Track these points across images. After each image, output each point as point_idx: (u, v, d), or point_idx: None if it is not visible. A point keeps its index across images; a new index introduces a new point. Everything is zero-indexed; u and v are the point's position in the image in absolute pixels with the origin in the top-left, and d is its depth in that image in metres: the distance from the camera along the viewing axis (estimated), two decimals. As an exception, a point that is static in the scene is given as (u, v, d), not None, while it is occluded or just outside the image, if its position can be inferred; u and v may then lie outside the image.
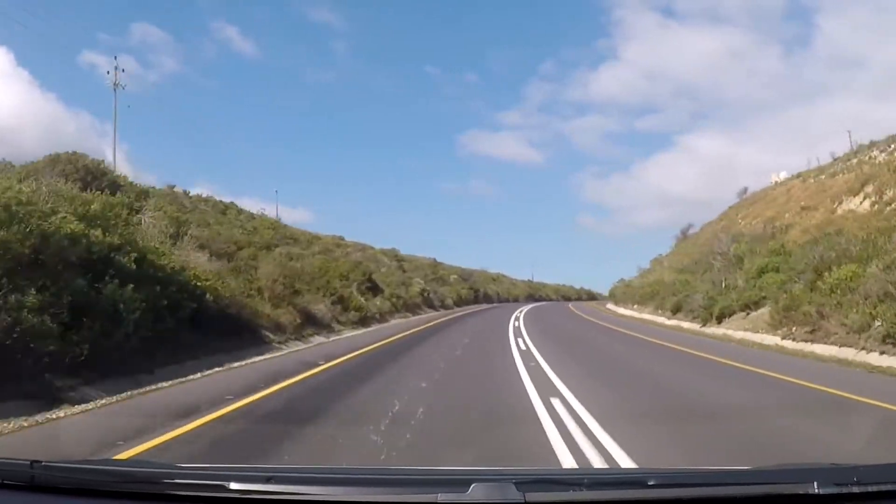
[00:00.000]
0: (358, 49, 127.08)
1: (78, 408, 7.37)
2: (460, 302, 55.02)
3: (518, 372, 10.99)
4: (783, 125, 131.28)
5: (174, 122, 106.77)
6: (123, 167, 26.76)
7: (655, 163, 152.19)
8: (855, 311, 14.53)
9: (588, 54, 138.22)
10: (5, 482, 1.93)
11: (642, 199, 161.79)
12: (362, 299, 27.41)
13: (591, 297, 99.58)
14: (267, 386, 9.03)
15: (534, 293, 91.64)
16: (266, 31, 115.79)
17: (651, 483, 1.88)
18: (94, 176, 18.11)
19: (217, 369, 11.00)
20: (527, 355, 13.77)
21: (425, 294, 44.79)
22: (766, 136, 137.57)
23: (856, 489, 1.79)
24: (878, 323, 13.39)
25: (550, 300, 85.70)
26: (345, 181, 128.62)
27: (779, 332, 18.08)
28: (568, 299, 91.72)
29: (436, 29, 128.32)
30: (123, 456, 5.07)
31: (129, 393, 8.43)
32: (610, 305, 54.30)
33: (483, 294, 67.72)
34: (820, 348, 15.02)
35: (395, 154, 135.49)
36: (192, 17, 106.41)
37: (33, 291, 7.93)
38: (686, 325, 27.39)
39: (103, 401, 7.83)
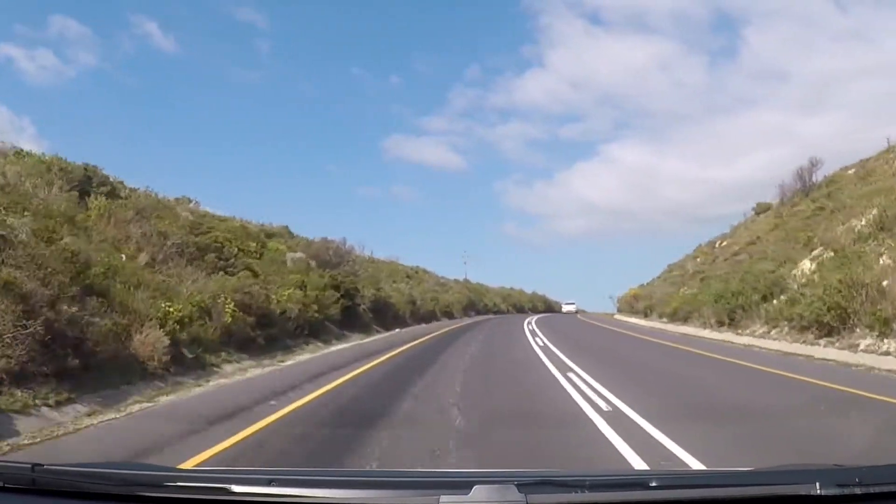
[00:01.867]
0: (282, 49, 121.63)
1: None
2: (282, 335, 17.71)
3: None
4: (706, 136, 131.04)
5: (94, 118, 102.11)
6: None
7: (578, 171, 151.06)
8: None
9: (513, 60, 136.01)
10: (6, 485, 1.93)
11: (565, 207, 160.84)
12: None
13: (548, 306, 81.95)
14: None
15: (475, 300, 60.12)
16: (187, 28, 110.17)
17: (653, 484, 1.88)
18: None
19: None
20: None
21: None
22: (688, 147, 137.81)
23: (858, 490, 1.79)
24: None
25: (503, 313, 60.85)
26: (266, 181, 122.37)
27: None
28: (522, 310, 71.06)
29: (361, 31, 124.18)
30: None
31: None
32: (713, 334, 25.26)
33: (383, 304, 31.51)
34: None
35: (317, 156, 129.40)
36: (112, 11, 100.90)
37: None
38: None
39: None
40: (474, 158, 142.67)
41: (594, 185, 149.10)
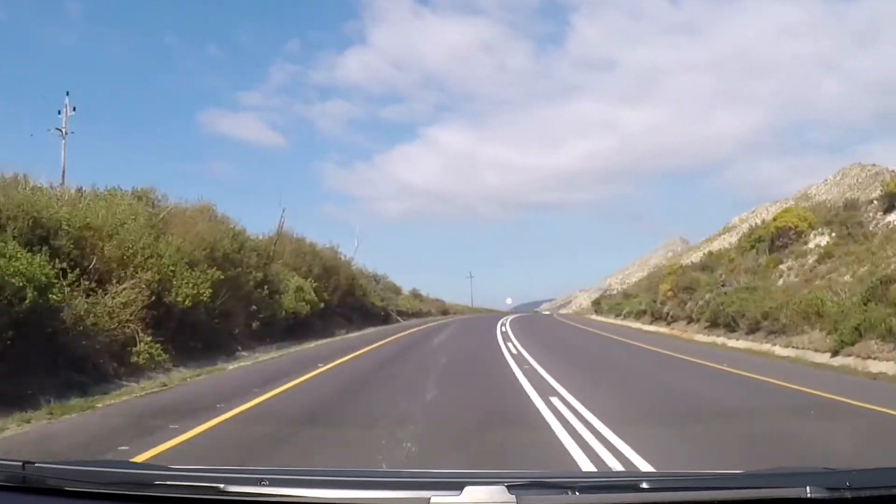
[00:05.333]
0: (93, 12, 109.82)
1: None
2: None
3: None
4: (529, 123, 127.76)
5: None
6: None
7: (399, 153, 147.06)
8: None
9: (336, 37, 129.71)
10: None
11: (384, 189, 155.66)
12: None
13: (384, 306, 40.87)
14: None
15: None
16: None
17: (644, 486, 1.88)
18: None
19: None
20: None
21: None
22: (510, 133, 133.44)
23: (848, 494, 1.79)
24: None
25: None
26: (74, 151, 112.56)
27: None
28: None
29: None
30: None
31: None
32: None
33: None
34: None
35: (132, 127, 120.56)
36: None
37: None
38: None
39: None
40: (293, 136, 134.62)
41: (414, 168, 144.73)
